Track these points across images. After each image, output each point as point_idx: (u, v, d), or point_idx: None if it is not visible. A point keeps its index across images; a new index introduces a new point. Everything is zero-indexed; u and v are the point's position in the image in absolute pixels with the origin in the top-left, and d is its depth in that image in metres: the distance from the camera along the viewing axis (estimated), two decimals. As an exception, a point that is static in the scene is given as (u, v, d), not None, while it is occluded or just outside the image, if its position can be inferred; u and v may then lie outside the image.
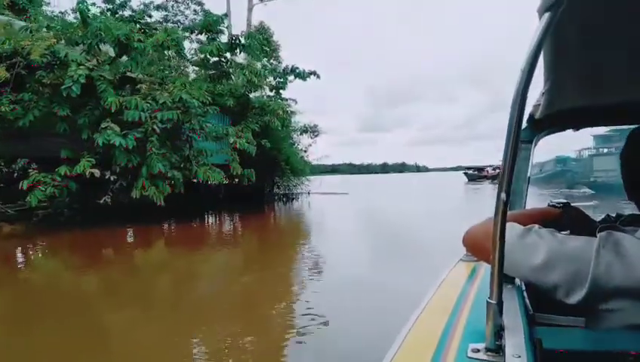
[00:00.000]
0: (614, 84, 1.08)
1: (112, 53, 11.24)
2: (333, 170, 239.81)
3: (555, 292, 0.83)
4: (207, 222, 12.71)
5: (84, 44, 10.61)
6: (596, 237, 0.82)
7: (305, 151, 21.30)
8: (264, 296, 4.83)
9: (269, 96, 19.83)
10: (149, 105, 10.23)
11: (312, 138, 21.22)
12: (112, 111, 9.57)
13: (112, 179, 9.84)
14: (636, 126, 0.97)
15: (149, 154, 9.75)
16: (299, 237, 10.12)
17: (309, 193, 21.41)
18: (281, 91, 21.74)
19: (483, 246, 0.93)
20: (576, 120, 1.41)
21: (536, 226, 0.92)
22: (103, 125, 9.45)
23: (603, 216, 1.27)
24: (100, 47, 11.32)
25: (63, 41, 10.86)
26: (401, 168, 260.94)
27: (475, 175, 50.44)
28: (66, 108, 9.70)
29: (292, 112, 18.43)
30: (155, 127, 9.90)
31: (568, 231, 1.07)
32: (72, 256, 7.98)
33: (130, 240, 9.56)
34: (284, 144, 17.70)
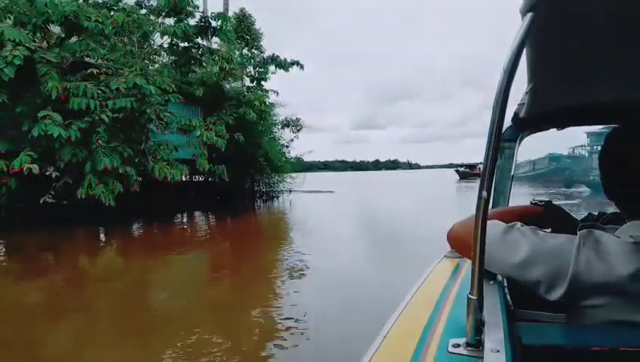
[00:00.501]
0: (597, 84, 1.00)
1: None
2: (326, 166, 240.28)
3: (536, 289, 0.84)
4: (167, 225, 11.47)
5: (29, 24, 9.36)
6: (577, 235, 0.83)
7: (287, 147, 20.16)
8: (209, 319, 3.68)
9: (248, 88, 18.67)
10: (100, 92, 9.00)
11: (294, 132, 20.07)
12: (53, 97, 8.33)
13: (54, 176, 8.59)
14: (612, 127, 1.02)
15: (96, 148, 8.52)
16: (269, 241, 8.97)
17: (290, 191, 20.27)
18: (263, 83, 20.75)
19: (465, 242, 0.89)
20: (560, 119, 1.38)
21: (519, 224, 0.92)
22: (41, 114, 8.20)
23: (585, 215, 1.28)
24: (52, 27, 10.10)
25: (9, 20, 9.62)
26: (393, 165, 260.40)
27: (467, 173, 49.64)
28: (2, 95, 8.44)
29: (271, 104, 17.23)
30: (103, 116, 8.65)
31: (550, 229, 1.09)
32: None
33: (66, 245, 8.31)
34: (263, 138, 16.51)
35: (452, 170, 52.16)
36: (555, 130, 1.45)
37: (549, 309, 0.95)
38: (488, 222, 0.78)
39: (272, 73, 21.22)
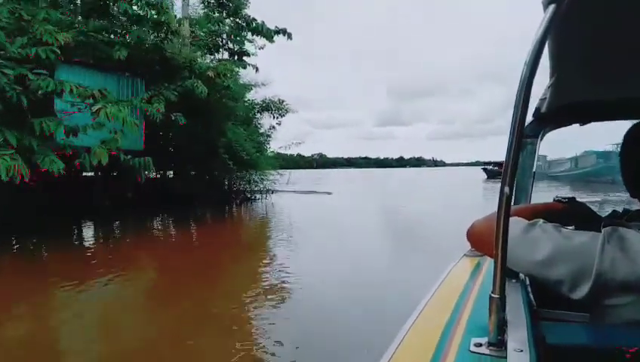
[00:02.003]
0: (622, 78, 1.04)
1: None
2: (349, 163, 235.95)
3: (559, 287, 0.81)
4: (67, 237, 7.76)
5: None
6: (601, 232, 0.80)
7: (268, 136, 16.27)
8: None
9: (220, 61, 14.79)
10: None
11: (276, 118, 16.18)
12: None
13: None
14: (633, 123, 0.98)
15: None
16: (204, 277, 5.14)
17: (273, 192, 16.39)
18: (245, 59, 16.89)
19: (486, 240, 0.90)
20: (583, 114, 1.33)
21: (541, 221, 0.89)
22: None
23: (610, 212, 1.17)
24: None
25: None
26: (418, 162, 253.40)
27: (496, 171, 44.74)
28: None
29: (246, 84, 13.34)
30: None
31: (573, 227, 1.00)
32: None
33: None
34: (227, 125, 12.66)
35: (478, 169, 47.13)
36: (577, 125, 1.38)
37: (573, 308, 0.92)
38: (510, 219, 0.75)
39: (259, 48, 17.53)
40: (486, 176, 42.83)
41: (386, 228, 10.11)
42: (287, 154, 18.75)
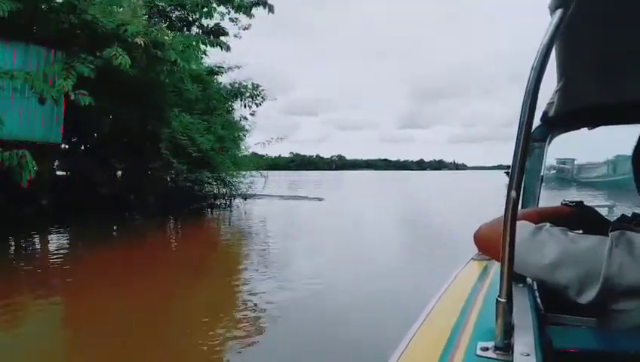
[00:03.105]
0: (630, 82, 1.03)
1: None
2: (368, 165, 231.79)
3: (567, 292, 0.81)
4: None
5: None
6: (608, 236, 0.80)
7: (244, 132, 13.63)
8: None
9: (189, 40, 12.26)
10: None
11: (249, 106, 13.57)
12: None
13: None
14: None
15: None
16: None
17: (245, 198, 13.75)
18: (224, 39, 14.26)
19: (493, 244, 0.84)
20: (591, 118, 1.33)
21: (548, 225, 0.89)
22: None
23: (618, 216, 1.16)
24: None
25: None
26: (439, 165, 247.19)
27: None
28: None
29: (196, 53, 10.72)
30: None
31: (581, 231, 1.01)
32: None
33: None
34: (173, 112, 10.12)
35: (501, 173, 43.52)
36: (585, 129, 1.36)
37: (581, 313, 0.92)
38: (517, 222, 0.76)
39: (243, 29, 14.90)
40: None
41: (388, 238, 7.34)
42: (264, 155, 16.01)
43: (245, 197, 15.75)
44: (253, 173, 15.89)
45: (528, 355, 0.63)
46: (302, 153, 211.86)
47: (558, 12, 0.65)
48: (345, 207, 15.88)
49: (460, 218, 10.84)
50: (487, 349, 0.70)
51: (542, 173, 1.45)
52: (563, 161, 44.16)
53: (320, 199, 17.37)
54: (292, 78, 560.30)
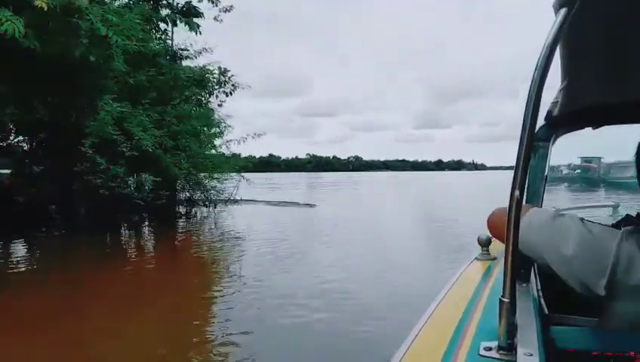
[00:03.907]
0: (634, 81, 1.01)
1: None
2: (385, 166, 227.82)
3: (577, 283, 0.79)
4: None
5: None
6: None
7: (220, 128, 11.44)
8: None
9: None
10: None
11: (216, 96, 11.31)
12: None
13: None
14: None
15: None
16: None
17: (215, 205, 11.52)
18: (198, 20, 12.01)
19: (504, 229, 0.82)
20: (595, 118, 1.31)
21: (566, 212, 0.89)
22: None
23: (622, 216, 1.19)
24: None
25: None
26: (457, 165, 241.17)
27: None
28: None
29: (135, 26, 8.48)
30: None
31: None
32: None
33: None
34: (102, 99, 7.90)
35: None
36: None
37: (584, 313, 0.92)
38: (535, 209, 0.84)
39: (225, 11, 12.69)
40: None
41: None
42: (239, 155, 13.73)
43: (226, 203, 13.70)
44: (234, 175, 13.76)
45: (532, 355, 0.63)
46: (319, 154, 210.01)
47: (562, 11, 0.65)
48: (338, 216, 13.45)
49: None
50: (490, 349, 0.69)
51: (546, 173, 1.37)
52: (588, 160, 40.41)
53: (312, 205, 15.03)
54: (310, 80, 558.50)
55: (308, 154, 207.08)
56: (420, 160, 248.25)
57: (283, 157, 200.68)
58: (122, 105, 9.18)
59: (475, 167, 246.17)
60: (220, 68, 11.65)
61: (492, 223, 1.01)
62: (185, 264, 6.86)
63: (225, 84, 11.79)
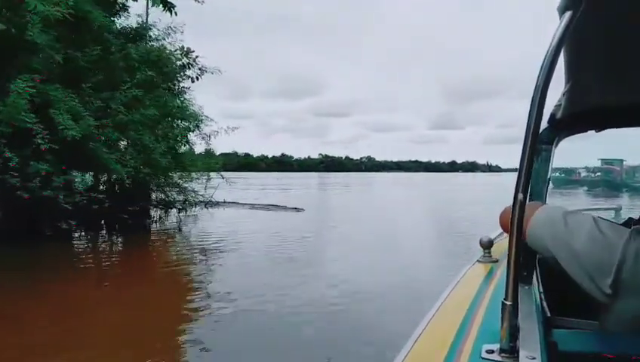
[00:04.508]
0: (638, 84, 1.00)
1: None
2: (398, 166, 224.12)
3: (584, 281, 0.76)
4: None
5: None
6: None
7: (187, 121, 9.67)
8: None
9: None
10: None
11: (178, 80, 9.47)
12: None
13: None
14: None
15: None
16: None
17: (179, 210, 9.72)
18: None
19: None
20: (599, 121, 1.28)
21: (578, 209, 0.93)
22: None
23: (625, 219, 1.24)
24: None
25: None
26: (471, 167, 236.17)
27: (563, 179, 35.55)
28: None
29: None
30: None
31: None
32: None
33: None
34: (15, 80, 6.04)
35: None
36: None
37: (586, 316, 0.91)
38: (547, 205, 0.82)
39: None
40: (552, 185, 33.67)
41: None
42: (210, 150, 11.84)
43: (206, 206, 11.98)
44: (214, 176, 11.98)
45: (534, 358, 0.63)
46: (331, 154, 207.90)
47: (567, 14, 0.65)
48: (325, 223, 11.45)
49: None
50: (492, 352, 0.68)
51: (549, 176, 1.36)
52: (609, 162, 37.56)
53: (299, 210, 13.08)
54: (324, 80, 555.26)
55: (320, 154, 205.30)
56: (433, 161, 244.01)
57: (295, 157, 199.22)
58: (53, 87, 7.38)
59: (489, 168, 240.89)
60: (182, 48, 9.79)
61: (504, 220, 0.95)
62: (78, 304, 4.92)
63: (189, 68, 9.94)
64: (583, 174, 37.64)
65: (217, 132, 11.27)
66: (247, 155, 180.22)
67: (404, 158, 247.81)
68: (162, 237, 8.94)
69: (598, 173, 37.22)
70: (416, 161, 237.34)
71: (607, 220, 0.82)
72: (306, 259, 6.73)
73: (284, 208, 13.46)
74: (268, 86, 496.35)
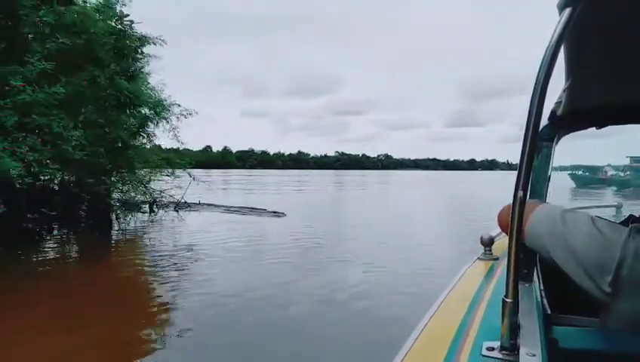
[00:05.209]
0: (639, 81, 1.00)
1: None
2: (416, 165, 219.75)
3: (583, 279, 0.75)
4: None
5: None
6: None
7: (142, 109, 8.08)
8: None
9: None
10: None
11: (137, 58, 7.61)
12: None
13: None
14: None
15: None
16: None
17: (176, 209, 7.97)
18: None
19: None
20: (599, 118, 1.26)
21: (576, 208, 0.96)
22: None
23: (625, 217, 1.22)
24: None
25: None
26: (491, 165, 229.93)
27: (588, 178, 32.61)
28: None
29: None
30: None
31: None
32: None
33: None
34: None
35: (564, 174, 34.39)
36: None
37: (586, 313, 0.91)
38: (545, 204, 0.81)
39: None
40: (574, 184, 30.65)
41: None
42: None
43: (176, 208, 10.32)
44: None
45: (534, 355, 0.62)
46: (348, 152, 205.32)
47: (567, 11, 0.64)
48: (306, 231, 9.36)
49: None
50: (492, 349, 0.68)
51: (549, 173, 1.34)
52: (638, 159, 34.37)
53: (279, 215, 11.05)
54: (340, 78, 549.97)
55: (337, 152, 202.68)
56: (451, 159, 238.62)
57: (312, 154, 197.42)
58: None
59: (509, 166, 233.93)
60: (120, 11, 7.80)
61: (502, 219, 0.95)
62: None
63: (124, 36, 7.97)
64: (610, 173, 34.39)
65: (176, 128, 9.36)
66: (264, 153, 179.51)
67: (422, 156, 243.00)
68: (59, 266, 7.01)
69: (628, 172, 33.86)
70: (435, 159, 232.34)
71: (605, 219, 0.80)
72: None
73: (265, 211, 11.44)
74: (285, 84, 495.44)
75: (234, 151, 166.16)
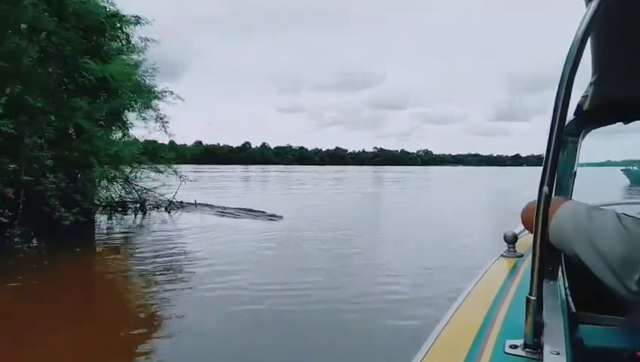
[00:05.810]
0: None
1: None
2: (456, 160, 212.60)
3: (610, 277, 0.72)
4: None
5: None
6: None
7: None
8: None
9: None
10: None
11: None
12: None
13: None
14: None
15: None
16: None
17: (167, 209, 7.49)
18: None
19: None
20: (627, 112, 1.22)
21: (602, 206, 0.86)
22: None
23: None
24: None
25: None
26: (537, 161, 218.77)
27: (645, 174, 29.45)
28: None
29: None
30: None
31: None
32: None
33: None
34: None
35: (616, 170, 31.18)
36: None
37: (612, 312, 0.88)
38: (570, 201, 0.77)
39: None
40: (629, 181, 27.72)
41: None
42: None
43: (167, 209, 9.67)
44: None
45: (558, 354, 0.61)
46: (386, 148, 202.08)
47: (594, 2, 0.61)
48: (293, 240, 8.28)
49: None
50: (516, 347, 0.67)
51: (575, 169, 1.30)
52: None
53: (274, 218, 10.04)
54: (377, 71, 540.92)
55: (375, 147, 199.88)
56: (494, 154, 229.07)
57: (350, 150, 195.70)
58: None
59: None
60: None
61: (526, 217, 0.92)
62: None
63: (111, 18, 7.08)
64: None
65: (162, 120, 8.52)
66: (301, 148, 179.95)
67: (463, 152, 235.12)
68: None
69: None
70: (477, 155, 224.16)
71: (632, 216, 0.77)
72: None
73: (262, 214, 10.45)
74: (321, 79, 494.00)
75: (272, 147, 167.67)
